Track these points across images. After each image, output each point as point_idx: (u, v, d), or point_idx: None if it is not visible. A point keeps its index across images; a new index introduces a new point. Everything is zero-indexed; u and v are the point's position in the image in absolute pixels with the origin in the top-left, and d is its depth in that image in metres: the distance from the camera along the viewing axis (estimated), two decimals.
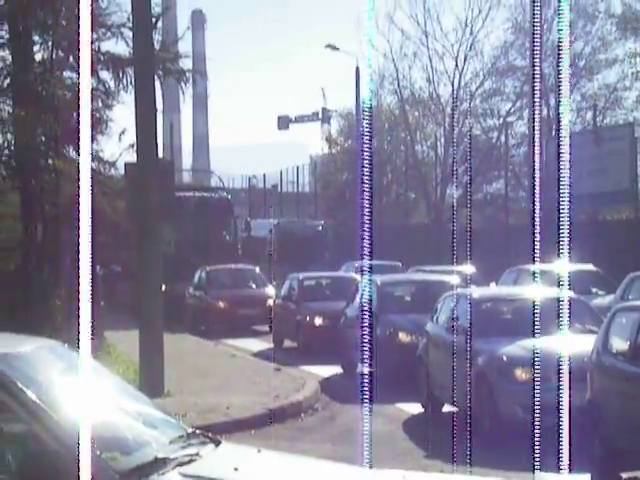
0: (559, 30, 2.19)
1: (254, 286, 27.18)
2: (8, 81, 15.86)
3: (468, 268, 18.52)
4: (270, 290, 26.36)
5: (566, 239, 2.39)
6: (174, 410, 10.27)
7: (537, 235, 2.50)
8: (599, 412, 9.85)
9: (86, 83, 1.91)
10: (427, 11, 38.59)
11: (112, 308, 23.27)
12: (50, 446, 4.32)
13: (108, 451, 4.43)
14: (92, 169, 12.27)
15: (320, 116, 70.54)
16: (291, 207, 44.65)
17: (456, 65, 38.54)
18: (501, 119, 38.66)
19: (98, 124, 15.81)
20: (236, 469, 4.64)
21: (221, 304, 26.06)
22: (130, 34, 15.43)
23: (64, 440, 4.26)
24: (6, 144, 15.93)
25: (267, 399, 13.51)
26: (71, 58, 15.64)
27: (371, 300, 15.53)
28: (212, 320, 25.98)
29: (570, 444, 2.41)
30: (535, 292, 11.72)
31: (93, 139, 15.53)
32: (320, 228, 34.31)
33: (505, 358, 11.65)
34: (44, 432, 4.35)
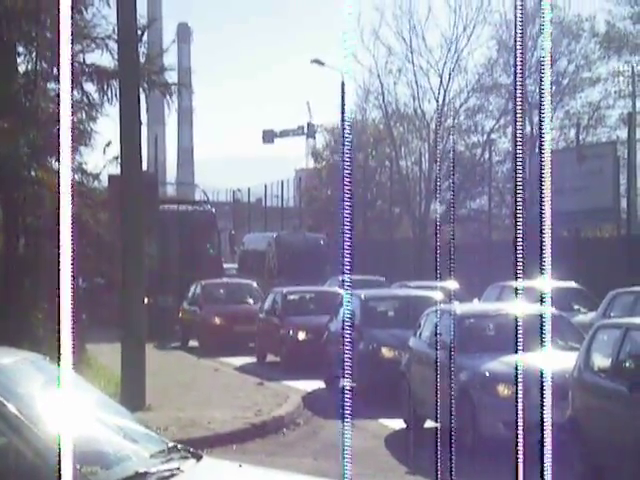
0: (542, 47, 2.19)
1: (251, 301, 25.96)
2: None
3: (451, 284, 18.44)
4: None
5: (548, 256, 2.39)
6: (155, 424, 10.24)
7: (520, 252, 2.50)
8: (580, 429, 9.87)
9: (67, 94, 1.90)
10: (412, 27, 38.74)
11: (95, 321, 23.12)
12: (29, 460, 4.29)
13: (88, 465, 4.40)
14: (75, 181, 12.21)
15: (305, 130, 70.69)
16: (276, 221, 44.63)
17: (441, 82, 38.70)
18: (485, 136, 38.85)
19: (82, 136, 15.75)
20: None
21: (216, 320, 24.80)
22: (115, 46, 15.42)
23: (44, 454, 4.24)
24: None
25: (249, 414, 13.46)
26: (55, 70, 15.60)
27: (354, 315, 15.51)
28: (207, 337, 24.69)
29: (552, 461, 2.41)
30: (517, 308, 11.72)
31: (76, 151, 15.47)
32: (322, 241, 33.27)
33: (487, 374, 11.67)
34: (23, 445, 4.32)
